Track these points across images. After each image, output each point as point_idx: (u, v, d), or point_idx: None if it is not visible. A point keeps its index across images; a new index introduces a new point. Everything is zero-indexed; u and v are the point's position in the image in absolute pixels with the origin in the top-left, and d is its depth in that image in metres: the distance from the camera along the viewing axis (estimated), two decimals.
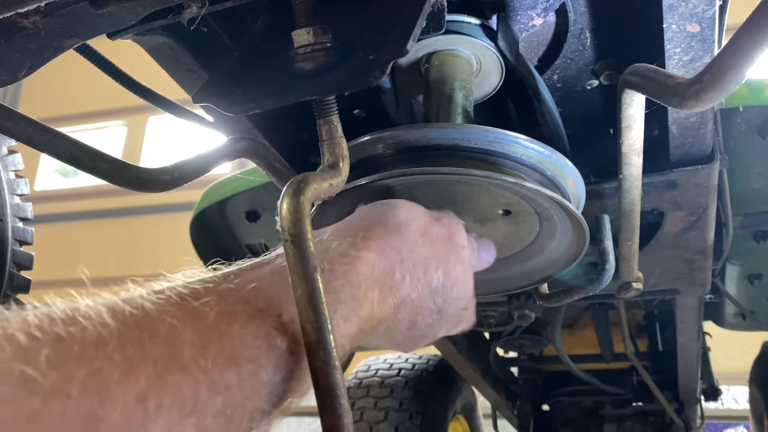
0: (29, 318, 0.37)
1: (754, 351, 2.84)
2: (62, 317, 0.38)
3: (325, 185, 0.54)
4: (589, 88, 0.89)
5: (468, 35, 0.78)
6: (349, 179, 0.62)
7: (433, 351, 2.45)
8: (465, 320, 0.68)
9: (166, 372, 0.39)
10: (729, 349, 4.02)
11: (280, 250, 0.54)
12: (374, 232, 0.58)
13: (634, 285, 1.02)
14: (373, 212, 0.63)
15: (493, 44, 0.79)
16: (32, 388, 0.33)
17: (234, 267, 0.52)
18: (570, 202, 0.70)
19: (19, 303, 0.40)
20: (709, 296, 2.08)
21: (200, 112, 0.89)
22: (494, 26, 0.79)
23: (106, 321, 0.39)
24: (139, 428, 0.36)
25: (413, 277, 0.58)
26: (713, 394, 2.80)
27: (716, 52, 0.71)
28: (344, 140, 0.59)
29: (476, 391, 2.69)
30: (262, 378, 0.44)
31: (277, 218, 0.49)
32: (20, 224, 0.90)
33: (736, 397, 5.69)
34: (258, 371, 0.44)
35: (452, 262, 0.63)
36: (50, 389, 0.34)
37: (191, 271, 0.51)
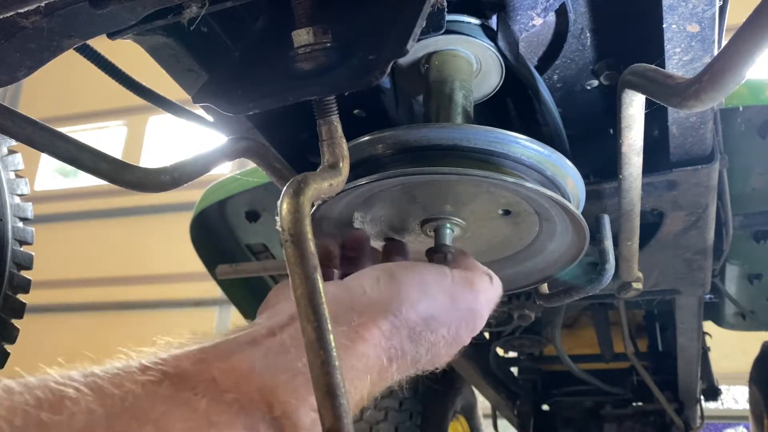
0: (15, 400, 0.37)
1: (754, 351, 2.84)
2: (50, 399, 0.37)
3: (325, 185, 0.54)
4: (589, 88, 0.89)
5: (468, 35, 0.78)
6: (349, 179, 0.62)
7: None
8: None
9: None
10: (729, 349, 4.02)
11: (274, 322, 0.53)
12: (370, 317, 0.55)
13: (634, 285, 1.02)
14: (377, 286, 0.59)
15: (493, 44, 0.79)
16: None
17: (230, 338, 0.50)
18: (570, 202, 0.70)
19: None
20: (709, 296, 2.08)
21: (200, 112, 0.89)
22: (494, 26, 0.79)
23: (93, 408, 0.38)
24: None
25: (402, 363, 0.56)
26: (713, 394, 2.80)
27: (716, 52, 0.71)
28: (344, 140, 0.59)
29: (476, 391, 2.69)
30: None
31: (277, 218, 0.49)
32: (20, 224, 0.90)
33: (736, 397, 5.70)
34: None
35: (443, 354, 0.61)
36: None
37: (183, 339, 0.50)
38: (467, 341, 0.64)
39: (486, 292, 0.66)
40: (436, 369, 0.64)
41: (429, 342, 0.58)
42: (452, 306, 0.61)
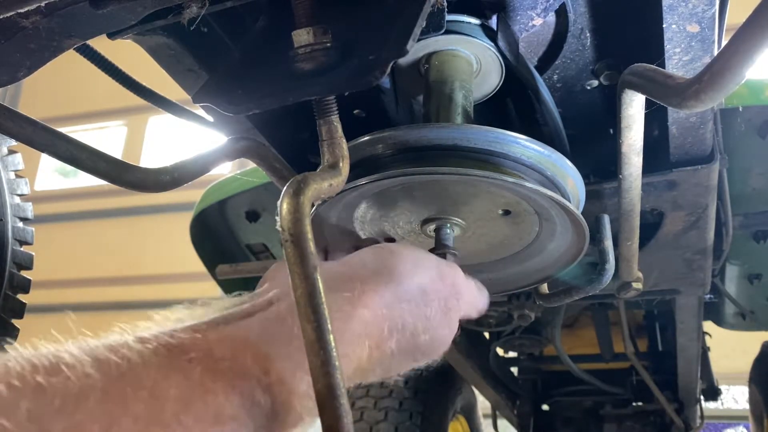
0: (11, 365, 0.37)
1: (754, 351, 2.84)
2: (45, 365, 0.38)
3: (325, 185, 0.54)
4: (589, 88, 0.89)
5: (468, 35, 0.78)
6: (349, 179, 0.62)
7: None
8: (434, 359, 0.68)
9: (146, 429, 0.38)
10: (729, 349, 4.02)
11: (271, 294, 0.53)
12: (372, 286, 0.56)
13: (634, 285, 1.02)
14: (376, 259, 0.61)
15: (493, 44, 0.79)
16: None
17: (225, 310, 0.51)
18: (570, 202, 0.70)
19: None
20: (709, 296, 2.08)
21: (200, 112, 0.89)
22: (494, 26, 0.79)
23: (90, 372, 0.39)
24: None
25: (401, 337, 0.57)
26: (713, 394, 2.81)
27: (716, 52, 0.71)
28: (344, 140, 0.59)
29: (476, 391, 2.69)
30: None
31: (277, 218, 0.49)
32: (20, 224, 0.90)
33: (735, 397, 5.70)
34: (240, 429, 0.44)
35: (442, 326, 0.62)
36: None
37: (180, 313, 0.50)
38: (456, 320, 0.65)
39: (462, 277, 0.68)
40: (434, 359, 0.65)
41: (424, 316, 0.60)
42: (440, 280, 0.63)
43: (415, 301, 0.59)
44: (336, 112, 0.59)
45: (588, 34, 0.82)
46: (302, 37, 0.58)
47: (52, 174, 8.75)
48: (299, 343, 0.46)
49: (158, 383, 0.41)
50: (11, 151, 0.91)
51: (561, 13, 0.80)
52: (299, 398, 0.47)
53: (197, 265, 1.88)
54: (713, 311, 2.41)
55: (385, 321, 0.56)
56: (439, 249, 0.73)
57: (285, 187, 0.50)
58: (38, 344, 0.41)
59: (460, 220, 0.76)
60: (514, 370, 2.83)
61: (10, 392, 0.35)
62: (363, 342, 0.53)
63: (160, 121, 8.44)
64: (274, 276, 0.60)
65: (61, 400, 0.36)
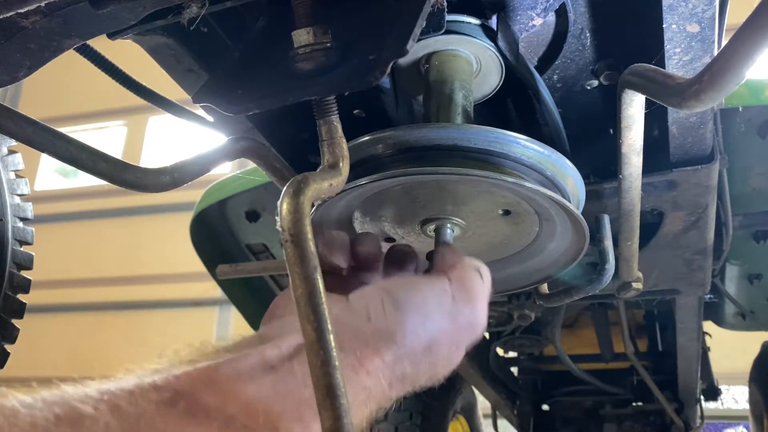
0: (36, 417, 0.38)
1: (754, 351, 2.84)
2: (69, 417, 0.39)
3: (325, 185, 0.54)
4: (589, 88, 0.89)
5: (468, 35, 0.78)
6: (349, 179, 0.62)
7: None
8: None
9: None
10: (729, 349, 4.02)
11: (281, 342, 0.53)
12: (373, 349, 0.55)
13: (634, 285, 1.02)
14: (381, 315, 0.58)
15: (493, 44, 0.79)
16: None
17: (240, 357, 0.51)
18: (570, 202, 0.70)
19: None
20: (709, 296, 2.08)
21: (200, 112, 0.89)
22: (494, 26, 0.79)
23: (112, 426, 0.40)
24: None
25: (401, 388, 0.57)
26: (713, 393, 2.81)
27: (716, 52, 0.71)
28: (344, 140, 0.60)
29: (476, 391, 2.69)
30: None
31: (277, 218, 0.49)
32: (20, 224, 0.90)
33: (735, 397, 5.70)
34: None
35: (442, 370, 0.62)
36: None
37: (191, 352, 0.51)
38: (464, 350, 0.65)
39: (482, 297, 0.66)
40: (434, 384, 0.64)
41: (429, 363, 0.59)
42: (454, 325, 0.61)
43: (421, 354, 0.58)
44: (336, 112, 0.59)
45: (588, 34, 0.82)
46: (302, 37, 0.58)
47: (52, 174, 8.75)
48: (308, 403, 0.47)
49: None
50: (11, 151, 0.91)
51: (561, 13, 0.80)
52: None
53: (197, 265, 1.88)
54: (713, 311, 2.41)
55: (386, 379, 0.55)
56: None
57: (285, 187, 0.50)
58: (61, 386, 0.42)
59: (460, 220, 0.76)
60: (514, 370, 2.83)
61: None
62: (366, 406, 0.54)
63: (160, 121, 8.44)
64: (283, 311, 0.60)
65: None
